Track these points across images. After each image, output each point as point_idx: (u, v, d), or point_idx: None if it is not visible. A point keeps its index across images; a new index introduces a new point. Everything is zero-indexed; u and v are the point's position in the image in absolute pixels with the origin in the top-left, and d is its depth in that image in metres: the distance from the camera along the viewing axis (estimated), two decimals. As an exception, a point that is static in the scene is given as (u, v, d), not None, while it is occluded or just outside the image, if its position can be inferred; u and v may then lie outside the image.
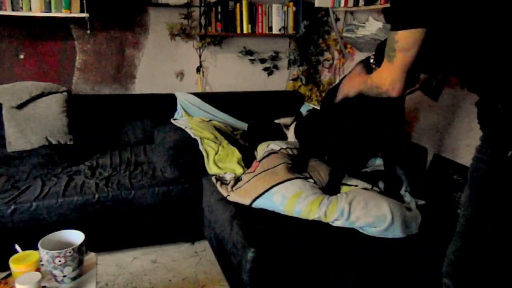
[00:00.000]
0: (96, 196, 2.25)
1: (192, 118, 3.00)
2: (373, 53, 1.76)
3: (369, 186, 2.09)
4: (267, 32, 3.32)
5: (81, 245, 1.46)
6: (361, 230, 1.88)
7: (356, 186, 2.10)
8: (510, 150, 1.11)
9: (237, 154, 2.52)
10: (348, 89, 1.64)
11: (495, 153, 1.16)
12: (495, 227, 1.19)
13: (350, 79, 1.68)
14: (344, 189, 2.10)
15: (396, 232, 1.84)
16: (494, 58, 1.15)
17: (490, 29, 1.13)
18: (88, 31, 2.98)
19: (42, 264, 1.44)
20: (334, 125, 2.10)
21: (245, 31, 3.26)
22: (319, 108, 3.05)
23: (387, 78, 1.26)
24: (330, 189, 2.08)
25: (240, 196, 2.07)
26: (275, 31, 3.34)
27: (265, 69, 3.55)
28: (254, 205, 2.01)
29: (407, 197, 2.07)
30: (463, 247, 1.25)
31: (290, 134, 2.82)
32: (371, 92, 1.38)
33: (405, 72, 1.23)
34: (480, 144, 1.22)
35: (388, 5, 2.02)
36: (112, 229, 2.35)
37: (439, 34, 1.19)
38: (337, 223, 1.89)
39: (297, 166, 2.18)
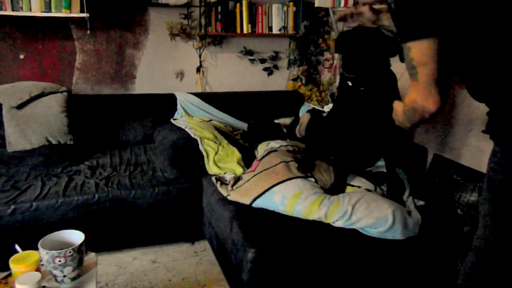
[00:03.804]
0: (96, 196, 2.25)
1: (192, 118, 3.01)
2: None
3: (373, 188, 2.09)
4: (267, 32, 3.32)
5: (81, 245, 1.46)
6: (361, 231, 1.88)
7: (360, 187, 2.09)
8: None
9: (237, 154, 2.52)
10: (398, 119, 1.37)
11: None
12: None
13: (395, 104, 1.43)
14: (348, 189, 2.10)
15: (396, 234, 1.84)
16: (506, 63, 1.10)
17: (502, 33, 1.08)
18: (88, 31, 2.98)
19: (42, 264, 1.44)
20: (343, 126, 2.11)
21: (245, 31, 3.26)
22: (320, 108, 3.05)
23: (417, 96, 1.18)
24: (336, 188, 2.08)
25: (240, 195, 2.07)
26: (275, 31, 3.34)
27: (265, 69, 3.55)
28: (254, 204, 2.01)
29: (409, 202, 2.07)
30: (484, 265, 1.21)
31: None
32: (414, 118, 1.24)
33: (433, 84, 1.13)
34: (497, 154, 1.15)
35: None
36: (112, 229, 2.35)
37: (452, 44, 1.12)
38: (338, 224, 1.88)
39: (304, 166, 2.18)
